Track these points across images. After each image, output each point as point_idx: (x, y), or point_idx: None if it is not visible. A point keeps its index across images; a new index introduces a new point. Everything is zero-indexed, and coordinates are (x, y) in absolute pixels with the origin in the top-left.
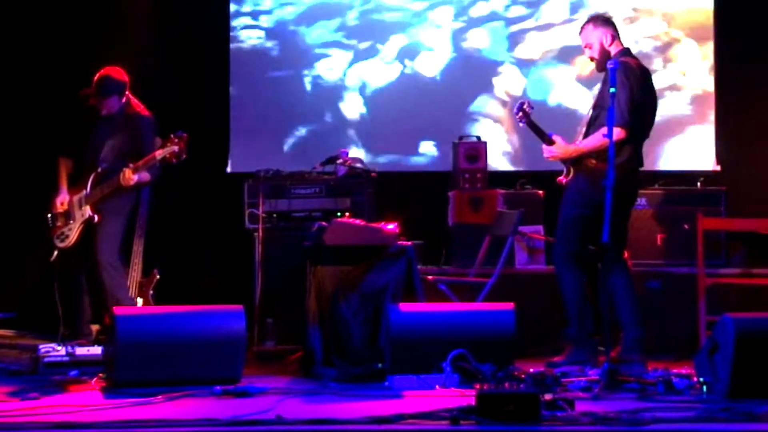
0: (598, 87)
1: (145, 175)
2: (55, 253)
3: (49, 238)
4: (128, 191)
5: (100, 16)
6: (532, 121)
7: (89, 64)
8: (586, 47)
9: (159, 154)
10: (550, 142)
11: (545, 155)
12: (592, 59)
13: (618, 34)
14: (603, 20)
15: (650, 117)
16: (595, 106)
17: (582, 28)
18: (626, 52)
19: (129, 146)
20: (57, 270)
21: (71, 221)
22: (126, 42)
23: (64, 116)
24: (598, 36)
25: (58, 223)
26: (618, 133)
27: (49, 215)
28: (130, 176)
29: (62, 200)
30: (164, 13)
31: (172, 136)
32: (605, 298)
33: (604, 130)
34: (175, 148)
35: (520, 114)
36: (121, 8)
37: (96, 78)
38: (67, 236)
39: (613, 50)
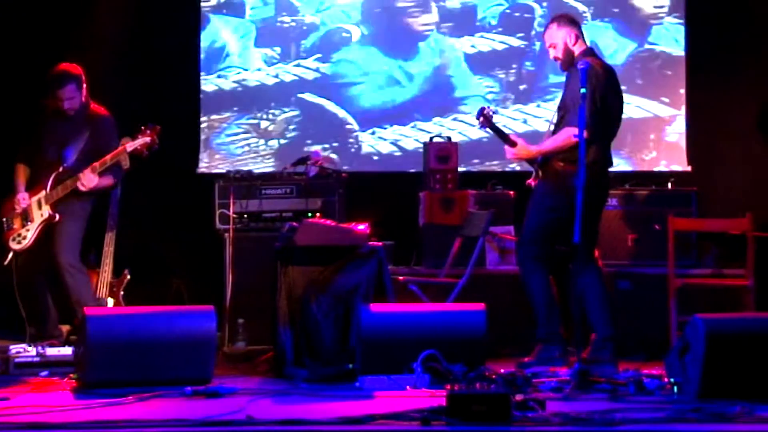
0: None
1: (108, 180)
2: (10, 255)
3: (4, 242)
4: (86, 195)
5: (68, 14)
6: (493, 124)
7: (54, 63)
8: (550, 47)
9: (130, 145)
10: (512, 144)
11: (507, 156)
12: (556, 59)
13: (582, 34)
14: (567, 20)
15: (617, 117)
16: (560, 108)
17: (546, 27)
18: (590, 51)
19: (91, 146)
20: (15, 272)
21: (29, 222)
22: (92, 44)
23: (23, 119)
24: (562, 36)
25: (14, 225)
26: (576, 138)
27: (4, 219)
28: (90, 178)
29: (21, 198)
30: (133, 13)
31: (143, 127)
32: (575, 298)
33: (568, 129)
34: (147, 139)
35: (482, 119)
36: (89, 6)
37: (51, 73)
38: (25, 237)
39: (577, 50)
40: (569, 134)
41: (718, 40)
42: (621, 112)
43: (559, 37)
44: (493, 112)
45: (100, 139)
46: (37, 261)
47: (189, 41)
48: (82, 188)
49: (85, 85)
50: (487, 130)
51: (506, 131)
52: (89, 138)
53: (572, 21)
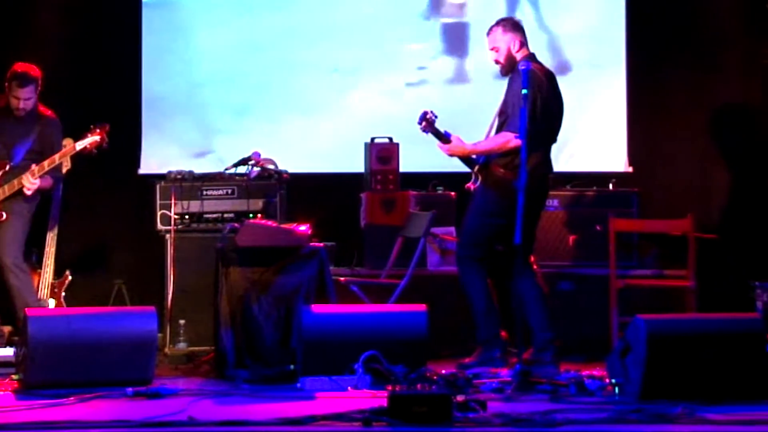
0: None
1: (47, 181)
2: None
3: None
4: (29, 196)
5: (5, 12)
6: (435, 128)
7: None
8: (492, 50)
9: (80, 144)
10: (448, 141)
11: (443, 152)
12: (497, 62)
13: (526, 40)
14: (512, 25)
15: (557, 122)
16: (501, 113)
17: (490, 30)
18: (532, 57)
19: (38, 147)
20: None
21: None
22: (33, 41)
23: None
24: (506, 41)
25: None
26: (515, 141)
27: None
28: (32, 181)
29: None
30: (73, 11)
31: (92, 126)
32: (516, 299)
33: (506, 134)
34: (97, 137)
35: (424, 123)
36: (29, 3)
37: (13, 71)
38: None
39: (519, 56)
40: (507, 138)
41: (658, 42)
42: (561, 117)
43: (503, 41)
44: (435, 117)
45: (47, 140)
46: None
47: (130, 41)
48: (28, 192)
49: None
50: (428, 131)
51: (443, 130)
52: (37, 138)
53: (517, 26)
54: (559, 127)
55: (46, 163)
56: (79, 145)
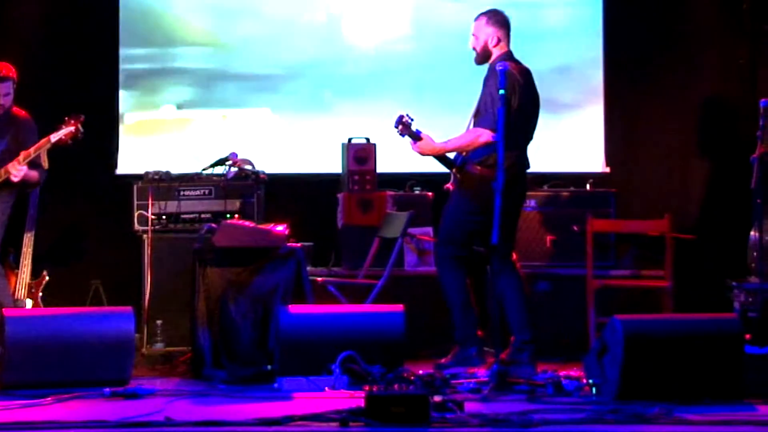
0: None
1: (34, 174)
2: None
3: None
4: (6, 194)
5: None
6: (411, 131)
7: None
8: (473, 35)
9: (54, 136)
10: (419, 139)
11: (413, 150)
12: (473, 48)
13: (507, 37)
14: (497, 20)
15: (533, 120)
16: (476, 113)
17: (477, 17)
18: (509, 55)
19: (13, 147)
20: None
21: None
22: (8, 39)
23: None
24: (486, 33)
25: None
26: (486, 136)
27: None
28: (18, 168)
29: None
30: (52, 8)
31: (66, 118)
32: (494, 299)
33: (476, 130)
34: (71, 128)
35: (401, 127)
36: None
37: None
38: None
39: (496, 52)
40: (477, 134)
41: (635, 41)
42: (537, 115)
43: (483, 32)
44: (411, 120)
45: (21, 139)
46: None
47: (108, 45)
48: (15, 179)
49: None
50: (405, 135)
51: (415, 129)
52: (11, 138)
53: (502, 22)
54: (535, 126)
55: (22, 155)
56: (54, 137)
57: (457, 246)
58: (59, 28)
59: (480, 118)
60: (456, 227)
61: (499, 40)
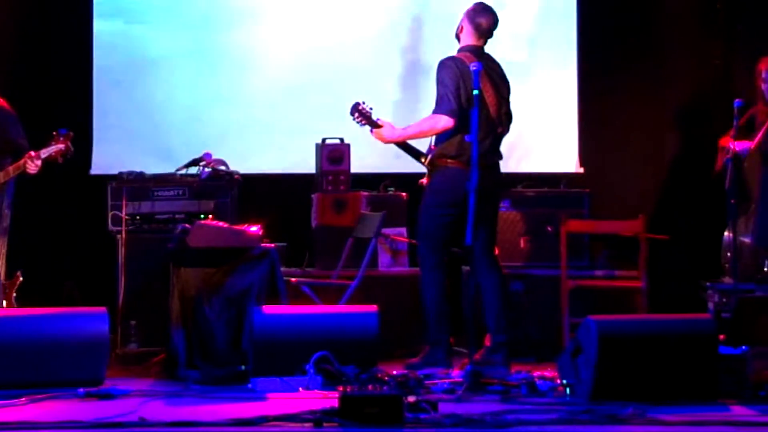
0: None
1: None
2: None
3: None
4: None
5: None
6: (370, 118)
7: None
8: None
9: (44, 152)
10: (378, 127)
11: (374, 137)
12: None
13: (477, 35)
14: (474, 16)
15: (499, 117)
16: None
17: (472, 4)
18: (471, 49)
19: None
20: None
21: None
22: None
23: None
24: (462, 20)
25: None
26: (444, 121)
27: None
28: (37, 161)
29: None
30: (25, 10)
31: (55, 133)
32: (468, 299)
33: (434, 116)
34: (61, 146)
35: (357, 115)
36: None
37: None
38: None
39: (462, 41)
40: (435, 119)
41: (610, 42)
42: (503, 109)
43: (462, 18)
44: (370, 108)
45: (5, 132)
46: None
47: (82, 46)
48: (32, 172)
49: None
50: (363, 124)
51: (375, 118)
52: None
53: (477, 20)
54: (503, 123)
55: (43, 152)
56: (44, 153)
57: (435, 241)
58: (32, 28)
59: (435, 103)
60: (430, 222)
61: (469, 34)
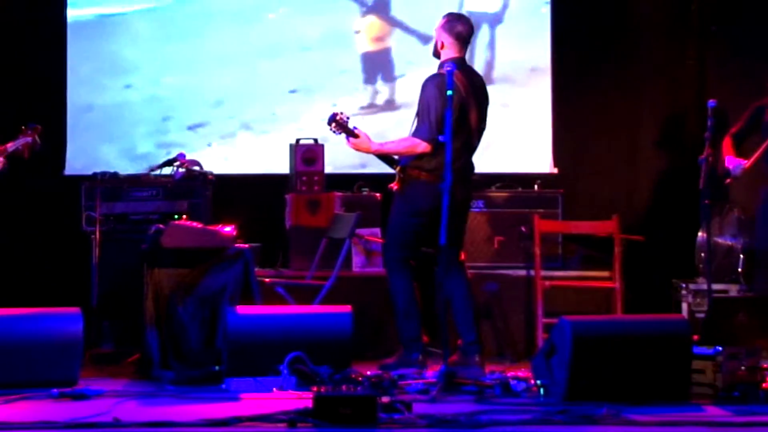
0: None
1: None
2: None
3: None
4: None
5: None
6: (347, 127)
7: None
8: (435, 30)
9: (11, 146)
10: (356, 137)
11: (349, 146)
12: (435, 44)
13: (458, 46)
14: (450, 27)
15: (477, 128)
16: (417, 115)
17: (443, 18)
18: (457, 61)
19: None
20: None
21: None
22: None
23: None
24: (439, 37)
25: None
26: (423, 147)
27: None
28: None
29: None
30: None
31: (23, 127)
32: (441, 300)
33: (413, 138)
34: (28, 139)
35: (334, 125)
36: None
37: None
38: None
39: (444, 56)
40: (414, 143)
41: (584, 42)
42: (483, 123)
43: (438, 35)
44: (347, 118)
45: None
46: None
47: (54, 41)
48: None
49: None
50: (340, 133)
51: (352, 127)
52: None
53: (454, 30)
54: (480, 133)
55: (9, 146)
56: (11, 146)
57: (404, 248)
58: (4, 26)
59: (417, 126)
60: (400, 230)
61: (450, 45)
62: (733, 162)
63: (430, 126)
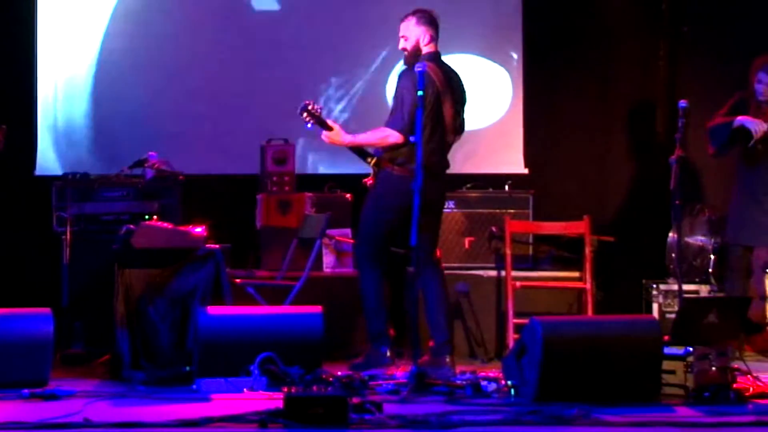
0: None
1: None
2: None
3: None
4: None
5: None
6: (320, 119)
7: None
8: (402, 37)
9: None
10: (329, 129)
11: (323, 139)
12: (404, 50)
13: (437, 36)
14: (427, 19)
15: (452, 125)
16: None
17: (405, 17)
18: (435, 56)
19: None
20: None
21: None
22: None
23: None
24: (417, 33)
25: None
26: (394, 137)
27: None
28: None
29: None
30: None
31: None
32: (411, 300)
33: (384, 129)
34: None
35: (305, 115)
36: None
37: None
38: None
39: (426, 50)
40: (386, 134)
41: (555, 41)
42: (459, 119)
43: (413, 32)
44: (320, 108)
45: None
46: None
47: (25, 40)
48: None
49: None
50: (313, 125)
51: (326, 119)
52: None
53: (432, 21)
54: (456, 130)
55: None
56: None
57: (376, 245)
58: None
59: (390, 117)
60: (373, 225)
61: (431, 39)
62: (750, 120)
63: (402, 117)
